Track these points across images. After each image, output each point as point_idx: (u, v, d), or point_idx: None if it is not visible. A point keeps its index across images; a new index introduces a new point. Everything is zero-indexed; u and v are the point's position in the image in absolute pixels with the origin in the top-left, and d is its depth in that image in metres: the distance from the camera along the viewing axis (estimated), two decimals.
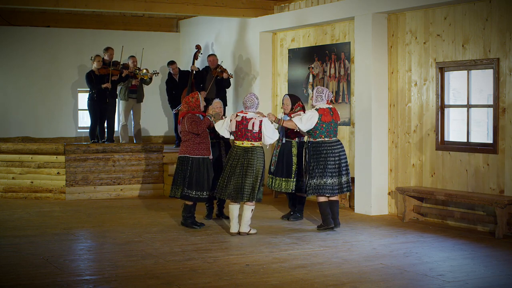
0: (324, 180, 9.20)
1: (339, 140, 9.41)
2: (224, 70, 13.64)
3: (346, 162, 9.40)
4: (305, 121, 9.18)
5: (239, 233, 9.04)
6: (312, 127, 9.20)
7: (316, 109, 9.25)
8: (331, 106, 9.40)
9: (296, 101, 9.97)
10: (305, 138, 9.64)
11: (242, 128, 8.95)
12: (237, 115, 9.03)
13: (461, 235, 9.10)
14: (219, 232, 9.26)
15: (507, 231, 8.94)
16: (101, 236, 9.05)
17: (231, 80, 13.95)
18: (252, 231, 9.12)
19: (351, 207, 11.34)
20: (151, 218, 10.49)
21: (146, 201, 12.33)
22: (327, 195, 9.26)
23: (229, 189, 8.98)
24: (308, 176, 9.28)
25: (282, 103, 10.06)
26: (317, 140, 9.26)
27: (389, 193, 10.89)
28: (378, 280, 6.80)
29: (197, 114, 9.35)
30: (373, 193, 10.78)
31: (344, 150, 9.40)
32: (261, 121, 8.96)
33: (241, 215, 9.12)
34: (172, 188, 9.56)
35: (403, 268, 7.29)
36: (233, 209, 9.05)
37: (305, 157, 9.47)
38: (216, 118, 9.35)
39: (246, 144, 8.97)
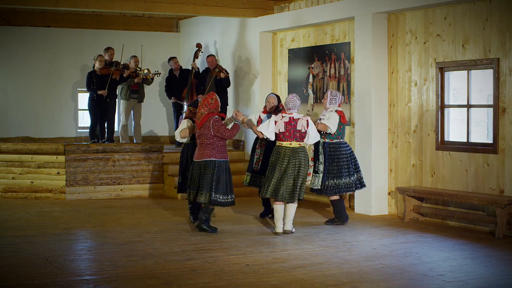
0: (343, 180, 9.63)
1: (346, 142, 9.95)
2: (222, 70, 13.65)
3: (356, 160, 9.90)
4: (335, 123, 9.55)
5: (283, 231, 9.10)
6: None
7: (335, 111, 9.64)
8: (340, 109, 9.83)
9: (280, 101, 10.06)
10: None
11: (290, 129, 9.02)
12: (282, 116, 9.06)
13: (461, 235, 9.10)
14: (219, 232, 9.25)
15: (507, 231, 8.93)
16: (101, 236, 9.05)
17: (231, 79, 13.94)
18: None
19: (351, 207, 11.33)
20: (151, 218, 10.49)
21: (146, 201, 12.33)
22: (343, 193, 9.77)
23: (281, 190, 8.99)
24: (326, 177, 9.58)
25: (267, 102, 10.03)
26: (334, 141, 9.68)
27: (389, 193, 10.89)
28: (378, 280, 6.80)
29: (216, 116, 9.16)
30: (373, 193, 10.78)
31: (352, 150, 9.94)
32: (307, 121, 9.11)
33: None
34: (190, 192, 9.24)
35: (403, 268, 7.29)
36: (280, 209, 9.08)
37: (317, 157, 9.68)
38: (249, 124, 9.47)
39: (295, 144, 9.03)
